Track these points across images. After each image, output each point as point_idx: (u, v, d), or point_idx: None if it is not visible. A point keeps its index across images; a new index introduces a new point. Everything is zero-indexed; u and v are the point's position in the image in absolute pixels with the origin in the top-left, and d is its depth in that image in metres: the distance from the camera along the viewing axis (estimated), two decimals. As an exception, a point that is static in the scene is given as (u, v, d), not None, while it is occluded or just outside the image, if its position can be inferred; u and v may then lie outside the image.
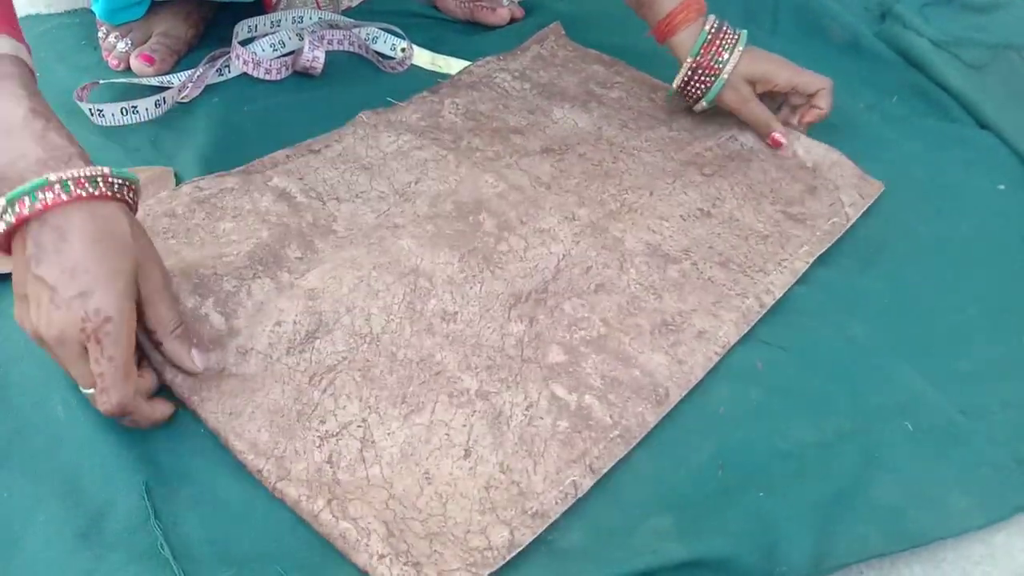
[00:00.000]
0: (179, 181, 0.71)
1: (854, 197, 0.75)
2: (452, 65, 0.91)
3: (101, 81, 0.81)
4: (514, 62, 0.89)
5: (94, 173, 0.49)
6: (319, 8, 0.94)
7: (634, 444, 0.54)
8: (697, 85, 0.78)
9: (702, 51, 0.75)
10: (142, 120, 0.78)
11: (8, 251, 0.50)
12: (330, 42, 0.90)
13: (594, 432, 0.54)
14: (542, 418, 0.55)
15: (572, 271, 0.65)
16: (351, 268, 0.61)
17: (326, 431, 0.52)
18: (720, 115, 0.81)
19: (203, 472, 0.51)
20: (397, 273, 0.62)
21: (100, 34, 0.87)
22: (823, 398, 0.59)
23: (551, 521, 0.49)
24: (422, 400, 0.55)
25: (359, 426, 0.53)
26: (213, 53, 0.85)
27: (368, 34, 0.92)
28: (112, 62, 0.85)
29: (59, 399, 0.54)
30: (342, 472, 0.51)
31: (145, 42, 0.85)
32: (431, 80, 0.87)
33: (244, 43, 0.86)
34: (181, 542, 0.48)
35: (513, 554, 0.47)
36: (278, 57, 0.88)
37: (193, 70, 0.83)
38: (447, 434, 0.53)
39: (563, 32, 0.95)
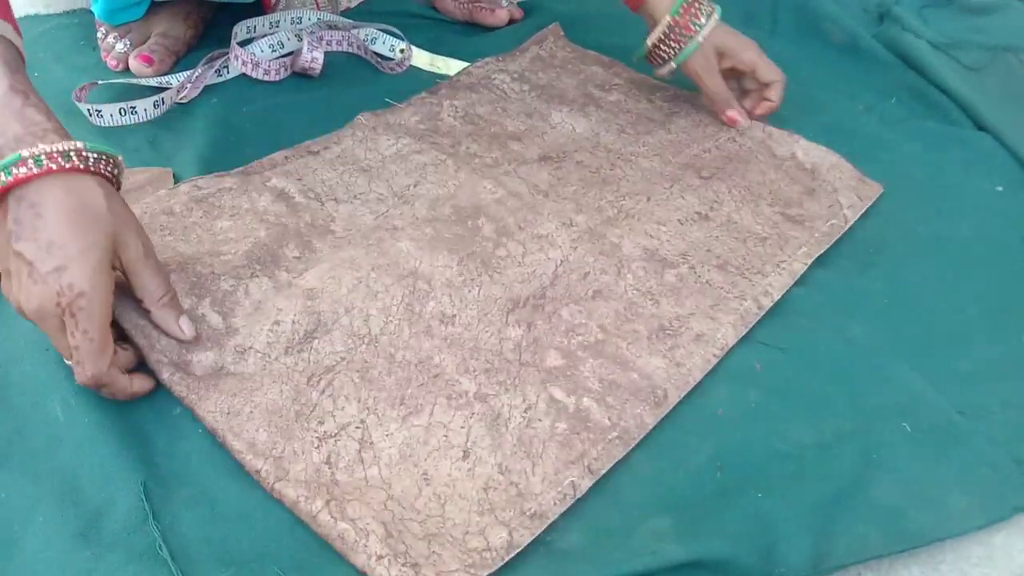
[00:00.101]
0: (177, 182, 0.71)
1: (852, 199, 0.75)
2: (451, 66, 0.91)
3: (100, 81, 0.81)
4: (513, 63, 0.89)
5: (67, 147, 0.50)
6: (318, 9, 0.94)
7: (633, 445, 0.54)
8: (670, 44, 0.79)
9: (681, 10, 0.77)
10: (141, 121, 0.78)
11: None
12: (329, 43, 0.90)
13: (592, 433, 0.54)
14: (540, 420, 0.55)
15: (570, 277, 0.65)
16: (350, 269, 0.61)
17: (324, 432, 0.52)
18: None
19: (201, 472, 0.51)
20: (396, 275, 0.62)
21: (99, 34, 0.87)
22: (822, 399, 0.59)
23: (550, 522, 0.49)
24: (420, 402, 0.55)
25: (357, 427, 0.53)
26: (212, 54, 0.85)
27: (367, 35, 0.92)
28: (111, 62, 0.85)
29: (58, 399, 0.54)
30: (340, 473, 0.51)
31: (144, 43, 0.85)
32: (430, 81, 0.87)
33: (243, 44, 0.86)
34: (179, 542, 0.48)
35: (512, 555, 0.47)
36: (277, 58, 0.88)
37: (192, 71, 0.83)
38: (445, 435, 0.53)
39: (562, 33, 0.96)
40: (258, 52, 0.87)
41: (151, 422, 0.53)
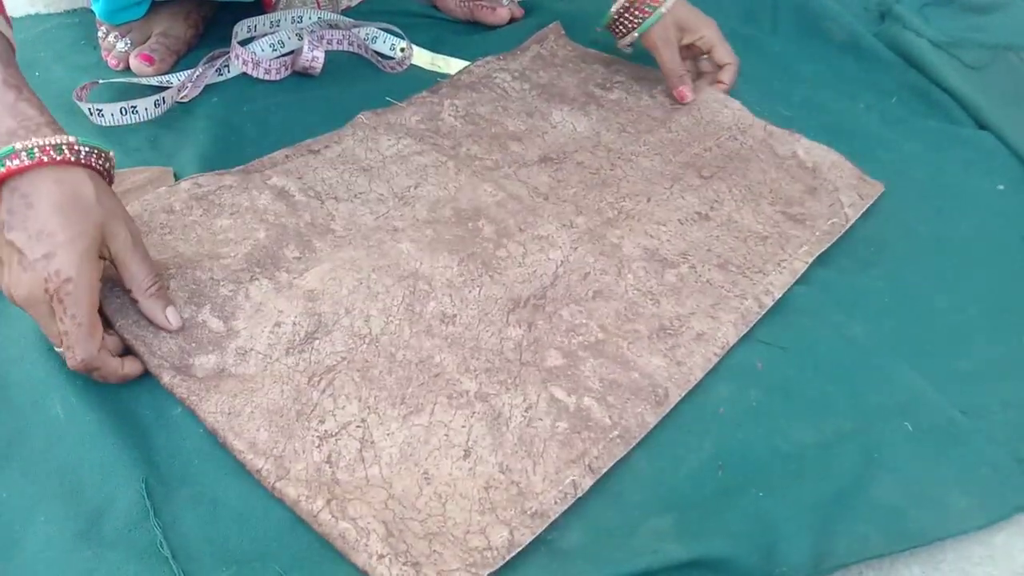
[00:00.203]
0: (178, 180, 0.71)
1: (853, 198, 0.75)
2: (452, 65, 0.91)
3: (100, 81, 0.81)
4: (514, 62, 0.89)
5: (59, 141, 0.51)
6: (319, 8, 0.94)
7: (633, 444, 0.54)
8: (635, 14, 0.81)
9: None
10: (141, 120, 0.78)
11: None
12: (329, 42, 0.90)
13: (593, 432, 0.54)
14: (541, 419, 0.55)
15: (570, 277, 0.65)
16: (351, 270, 0.61)
17: (325, 431, 0.52)
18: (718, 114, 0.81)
19: (202, 472, 0.51)
20: (396, 276, 0.62)
21: (100, 34, 0.87)
22: (823, 398, 0.59)
23: (550, 521, 0.49)
24: (421, 401, 0.55)
25: (358, 426, 0.53)
26: (212, 53, 0.85)
27: (368, 34, 0.92)
28: (111, 62, 0.85)
29: (58, 399, 0.54)
30: (341, 472, 0.51)
31: (145, 42, 0.85)
32: (431, 80, 0.87)
33: (243, 43, 0.86)
34: (180, 541, 0.48)
35: (512, 554, 0.47)
36: (277, 57, 0.88)
37: (192, 70, 0.83)
38: (446, 435, 0.53)
39: (563, 32, 0.96)
40: (259, 51, 0.87)
41: (152, 422, 0.53)
